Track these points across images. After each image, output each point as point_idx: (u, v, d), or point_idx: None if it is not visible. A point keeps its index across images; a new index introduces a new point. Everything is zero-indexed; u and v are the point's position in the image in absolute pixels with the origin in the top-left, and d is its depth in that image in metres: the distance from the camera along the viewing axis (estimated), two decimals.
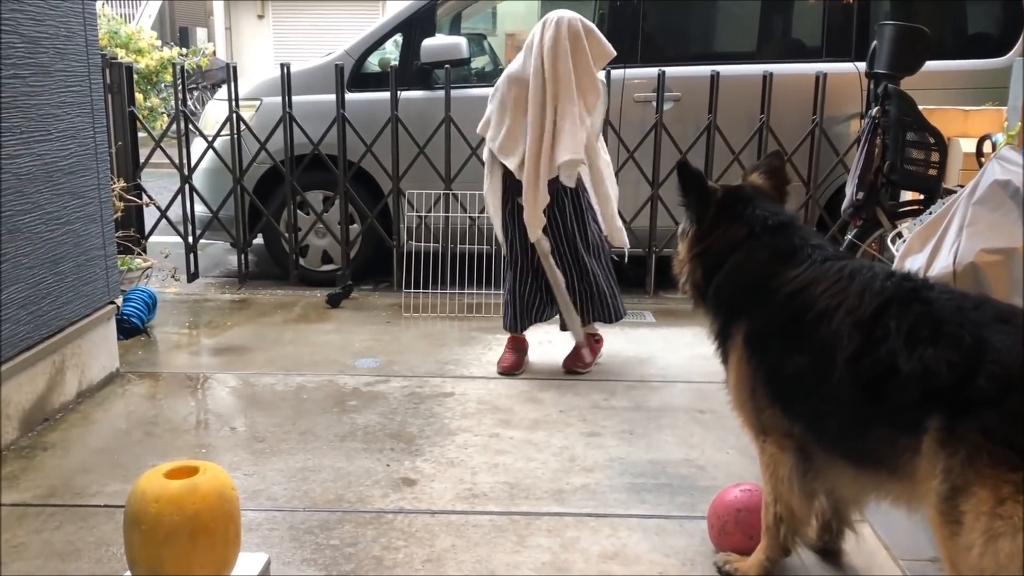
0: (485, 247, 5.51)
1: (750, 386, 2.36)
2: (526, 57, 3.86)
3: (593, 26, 3.90)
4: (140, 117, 5.65)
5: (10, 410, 3.30)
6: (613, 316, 4.18)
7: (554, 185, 3.90)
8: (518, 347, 4.25)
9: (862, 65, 5.05)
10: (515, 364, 4.17)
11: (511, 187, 4.00)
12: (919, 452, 1.97)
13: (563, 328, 4.26)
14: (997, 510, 1.83)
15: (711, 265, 2.47)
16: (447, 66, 5.39)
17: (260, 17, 18.72)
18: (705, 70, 5.43)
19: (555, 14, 3.83)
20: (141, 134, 5.69)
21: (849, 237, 4.43)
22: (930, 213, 3.36)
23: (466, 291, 5.28)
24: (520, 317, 4.16)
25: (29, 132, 3.40)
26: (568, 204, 4.01)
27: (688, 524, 2.82)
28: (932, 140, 4.23)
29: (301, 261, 5.75)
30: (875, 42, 4.48)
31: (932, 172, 4.23)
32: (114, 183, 4.80)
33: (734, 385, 2.44)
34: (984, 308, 2.03)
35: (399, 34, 5.86)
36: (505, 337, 4.28)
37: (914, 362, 1.98)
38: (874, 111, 4.35)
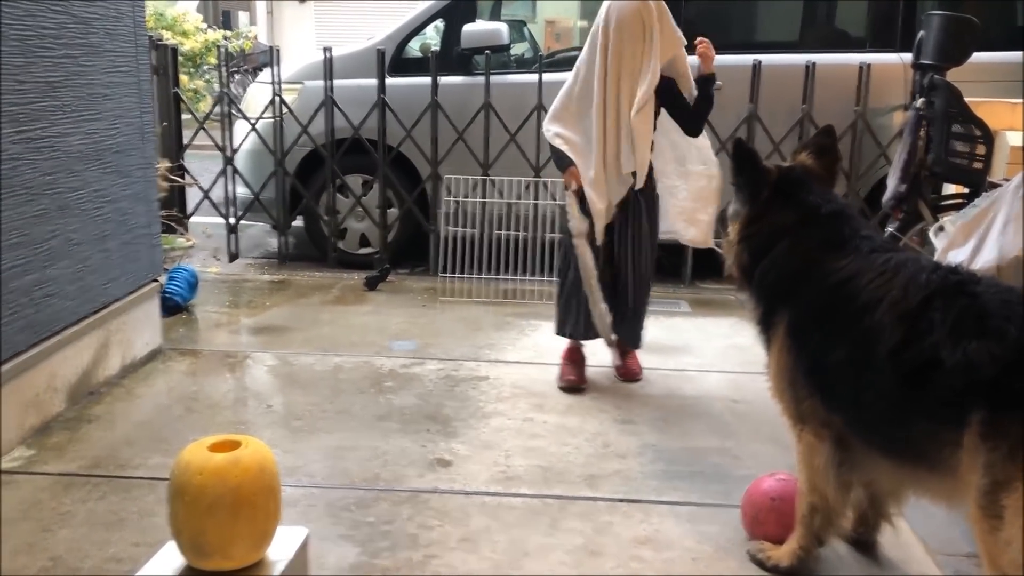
0: (521, 233, 5.52)
1: (790, 375, 2.36)
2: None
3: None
4: (184, 98, 5.72)
5: (57, 383, 3.38)
6: (639, 342, 3.93)
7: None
8: (577, 359, 3.91)
9: (907, 56, 4.98)
10: (579, 378, 3.83)
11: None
12: (960, 446, 1.96)
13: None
14: None
15: (758, 249, 2.45)
16: (487, 52, 5.40)
17: (302, 1, 18.82)
18: (747, 59, 5.38)
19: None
20: (185, 115, 5.77)
21: (890, 230, 4.38)
22: (974, 207, 3.32)
23: (501, 276, 5.31)
24: (567, 321, 3.85)
25: (79, 111, 3.46)
26: (644, 203, 3.73)
27: (721, 512, 2.83)
28: (978, 133, 4.17)
29: (340, 244, 5.80)
30: (922, 32, 4.42)
31: (977, 165, 4.18)
32: (158, 163, 4.87)
33: (774, 373, 2.43)
34: None
35: (440, 19, 5.87)
36: (538, 325, 4.24)
37: (958, 355, 1.96)
38: (919, 103, 4.29)
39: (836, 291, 2.26)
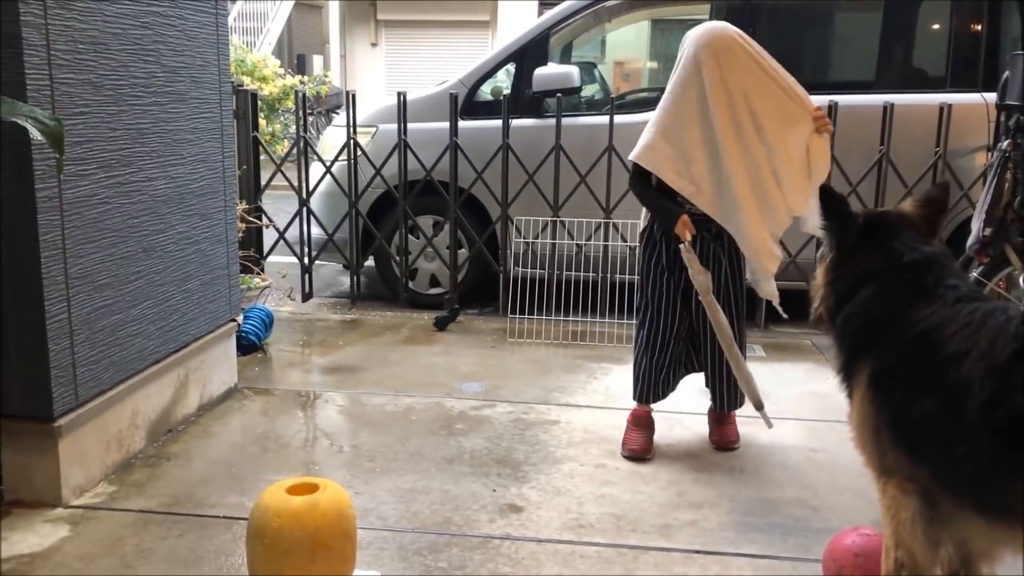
0: (591, 275, 5.51)
1: (873, 426, 2.28)
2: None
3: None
4: (263, 142, 5.88)
5: (139, 420, 3.47)
6: (738, 402, 3.65)
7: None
8: (645, 424, 3.64)
9: (991, 96, 4.86)
10: (644, 447, 3.55)
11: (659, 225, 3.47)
12: None
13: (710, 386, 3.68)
14: None
15: (843, 294, 2.41)
16: (559, 95, 5.44)
17: (373, 45, 19.31)
18: (822, 100, 5.31)
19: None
20: (261, 157, 5.93)
21: (974, 275, 4.25)
22: None
23: (571, 318, 5.29)
24: (650, 387, 3.59)
25: (165, 156, 3.58)
26: (728, 252, 3.51)
27: (801, 566, 2.74)
28: None
29: (410, 284, 5.87)
30: (1007, 72, 4.32)
31: None
32: (237, 205, 5.00)
33: (857, 424, 2.36)
34: None
35: (511, 63, 5.95)
36: (609, 368, 4.19)
37: None
38: (1005, 144, 4.18)
39: (920, 341, 2.19)
